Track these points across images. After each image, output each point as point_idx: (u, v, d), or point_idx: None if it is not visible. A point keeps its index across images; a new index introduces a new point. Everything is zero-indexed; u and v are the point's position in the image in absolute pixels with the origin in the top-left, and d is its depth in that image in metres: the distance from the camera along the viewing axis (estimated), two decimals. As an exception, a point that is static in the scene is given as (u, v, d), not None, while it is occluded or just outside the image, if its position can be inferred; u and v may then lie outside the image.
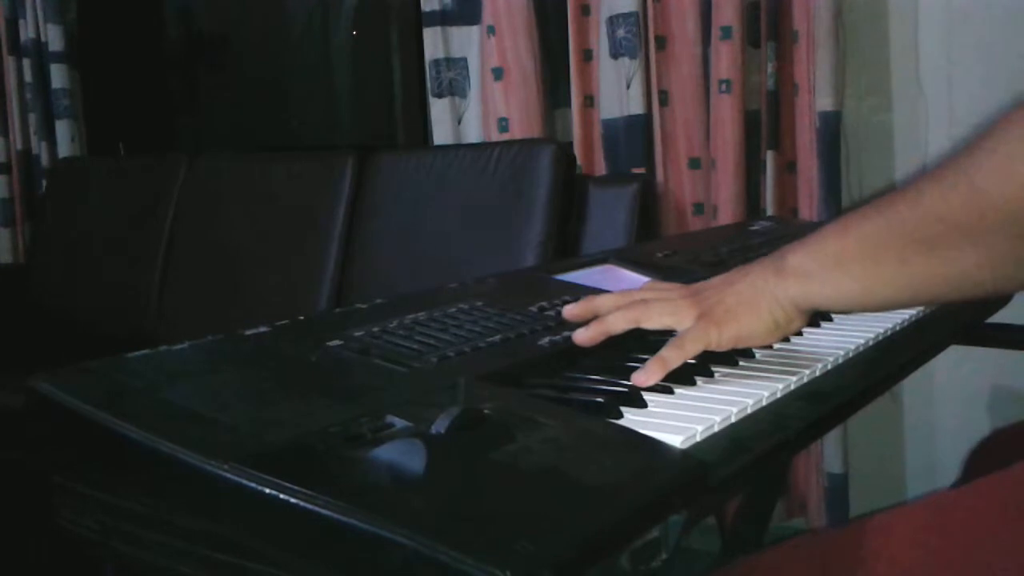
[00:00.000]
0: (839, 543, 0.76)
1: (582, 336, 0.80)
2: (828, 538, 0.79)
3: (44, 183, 3.01)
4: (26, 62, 3.03)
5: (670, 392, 0.74)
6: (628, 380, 0.75)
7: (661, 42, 2.15)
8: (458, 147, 2.34)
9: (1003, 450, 1.09)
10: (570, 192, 2.12)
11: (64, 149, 3.01)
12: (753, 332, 0.79)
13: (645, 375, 0.74)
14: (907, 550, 0.71)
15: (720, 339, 0.79)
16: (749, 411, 0.70)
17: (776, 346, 0.85)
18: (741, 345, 0.80)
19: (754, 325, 0.79)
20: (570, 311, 0.85)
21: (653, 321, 0.81)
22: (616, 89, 2.16)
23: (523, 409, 0.63)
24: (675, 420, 0.66)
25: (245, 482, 0.53)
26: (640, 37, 2.13)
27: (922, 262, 0.71)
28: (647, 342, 0.87)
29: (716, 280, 0.83)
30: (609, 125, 2.19)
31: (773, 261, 0.79)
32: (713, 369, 0.78)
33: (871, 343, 0.91)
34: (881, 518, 0.74)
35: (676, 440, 0.63)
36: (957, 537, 0.71)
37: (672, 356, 0.76)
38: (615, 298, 0.84)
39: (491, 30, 2.29)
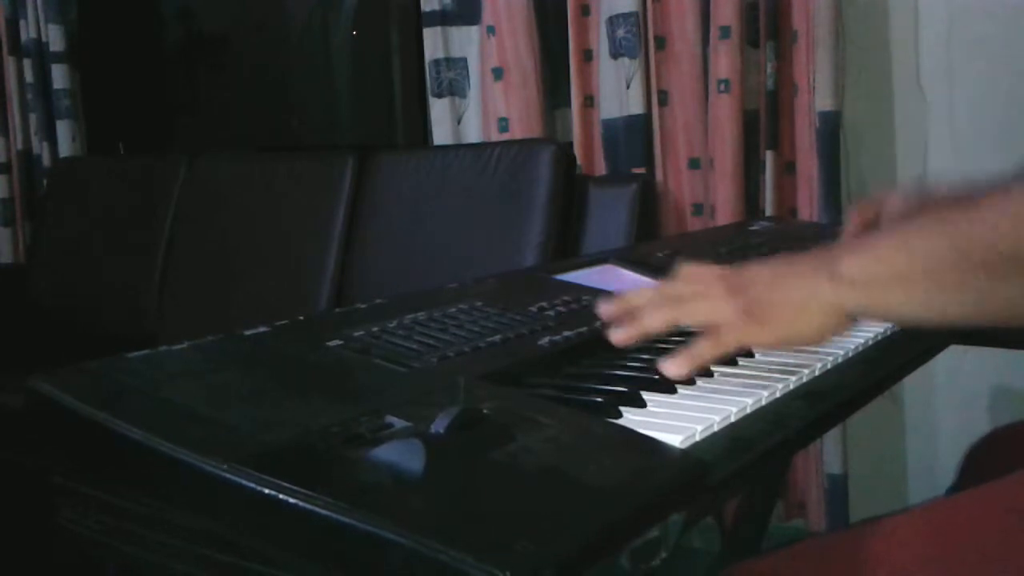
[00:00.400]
0: (839, 548, 0.76)
1: (618, 336, 0.77)
2: (828, 543, 0.79)
3: (44, 183, 3.01)
4: (27, 62, 3.03)
5: (671, 392, 0.74)
6: (626, 381, 0.75)
7: (661, 42, 2.15)
8: (458, 147, 2.34)
9: (1000, 450, 1.09)
10: (570, 192, 2.12)
11: (65, 149, 3.01)
12: (800, 335, 0.75)
13: (675, 366, 0.71)
14: (908, 556, 0.71)
15: (763, 339, 0.75)
16: (749, 411, 0.70)
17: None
18: (784, 348, 0.77)
19: (802, 328, 0.74)
20: (605, 310, 0.80)
21: (692, 318, 0.77)
22: (616, 89, 2.16)
23: (523, 409, 0.63)
24: (675, 420, 0.66)
25: (245, 482, 0.53)
26: (640, 37, 2.13)
27: (984, 287, 0.68)
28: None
29: (760, 272, 0.78)
30: (609, 125, 2.19)
31: (825, 264, 0.74)
32: (713, 369, 0.78)
33: (871, 343, 0.91)
34: (882, 524, 0.74)
35: (676, 440, 0.63)
36: (957, 544, 0.71)
37: (707, 350, 0.73)
38: (651, 294, 0.80)
39: (491, 30, 2.29)
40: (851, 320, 0.75)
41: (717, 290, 0.77)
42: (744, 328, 0.74)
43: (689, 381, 0.76)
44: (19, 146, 3.07)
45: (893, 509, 0.78)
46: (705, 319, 0.76)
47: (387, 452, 0.54)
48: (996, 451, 1.10)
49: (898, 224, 0.77)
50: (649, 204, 2.11)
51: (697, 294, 0.77)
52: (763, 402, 0.73)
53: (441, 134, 2.41)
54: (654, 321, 0.77)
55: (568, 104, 2.28)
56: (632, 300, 0.79)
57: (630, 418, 0.67)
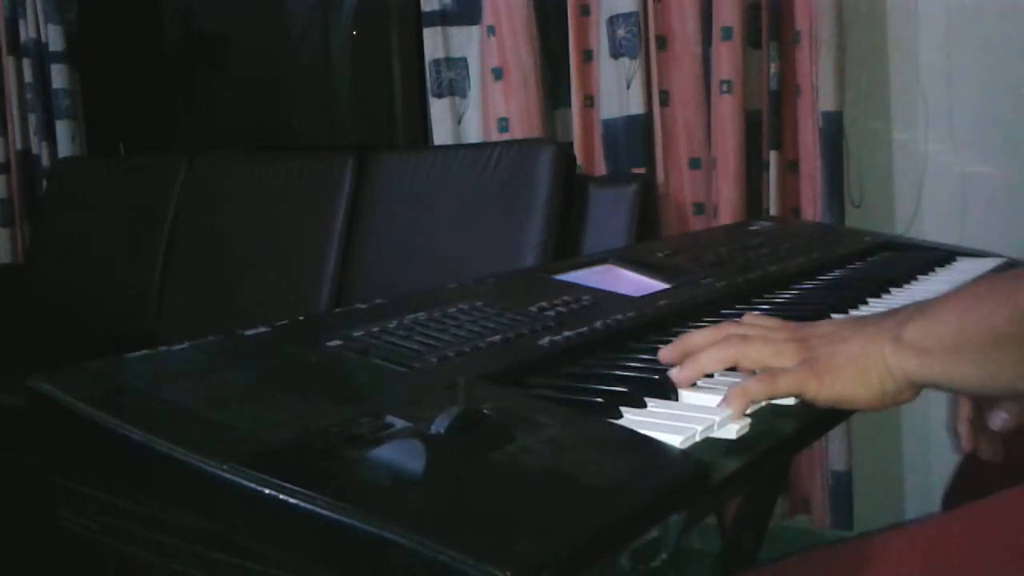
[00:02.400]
0: (832, 566, 0.76)
1: (678, 376, 0.75)
2: (820, 560, 0.79)
3: (44, 183, 3.01)
4: (26, 62, 3.03)
5: (671, 392, 0.74)
6: (626, 382, 0.75)
7: (661, 42, 2.15)
8: (458, 147, 2.34)
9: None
10: (570, 192, 2.12)
11: (64, 149, 3.01)
12: (857, 397, 0.74)
13: (730, 405, 0.70)
14: (907, 573, 0.71)
15: (819, 393, 0.73)
16: (749, 411, 0.70)
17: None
18: (840, 407, 0.75)
19: (859, 391, 0.73)
20: (665, 355, 0.79)
21: (751, 361, 0.76)
22: (616, 89, 2.16)
23: (523, 409, 0.63)
24: (675, 420, 0.66)
25: (245, 482, 0.53)
26: (640, 37, 2.13)
27: None
28: (649, 342, 0.87)
29: (826, 329, 0.78)
30: (609, 125, 2.19)
31: (890, 328, 0.73)
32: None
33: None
34: (877, 540, 0.74)
35: (676, 440, 0.63)
36: (953, 562, 0.71)
37: (758, 390, 0.72)
38: (711, 333, 0.79)
39: (491, 30, 2.29)
40: (915, 389, 0.74)
41: (781, 336, 0.77)
42: (802, 379, 0.73)
43: (689, 381, 0.76)
44: (18, 146, 3.07)
45: (894, 507, 0.78)
46: (766, 362, 0.75)
47: (387, 452, 0.54)
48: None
49: (963, 290, 0.75)
50: (649, 204, 2.11)
51: (760, 338, 0.77)
52: (763, 402, 0.73)
53: (441, 134, 2.41)
54: (712, 360, 0.76)
55: (568, 104, 2.28)
56: (692, 341, 0.78)
57: (630, 418, 0.67)
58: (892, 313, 0.76)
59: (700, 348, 0.77)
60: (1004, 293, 0.69)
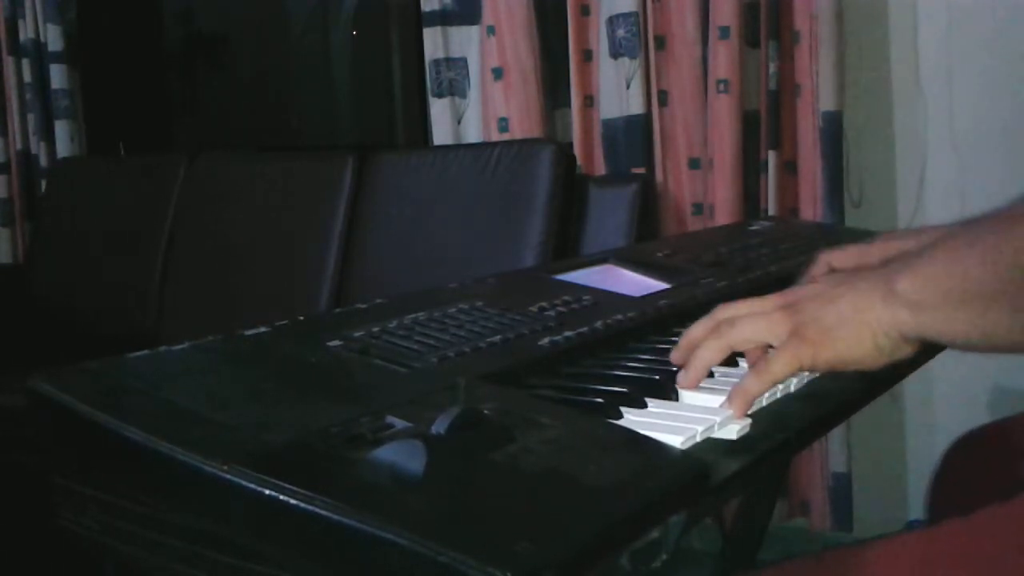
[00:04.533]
0: (833, 571, 0.76)
1: (681, 383, 0.74)
2: (822, 563, 0.79)
3: (44, 183, 3.01)
4: (25, 62, 3.03)
5: (671, 393, 0.74)
6: (626, 382, 0.75)
7: (661, 42, 2.15)
8: (458, 147, 2.34)
9: (974, 453, 1.10)
10: (570, 192, 2.12)
11: (64, 149, 3.01)
12: (854, 357, 0.72)
13: (736, 409, 0.69)
14: None
15: (815, 361, 0.72)
16: (750, 412, 0.70)
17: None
18: (840, 369, 0.73)
19: (854, 351, 0.71)
20: (675, 357, 0.78)
21: (744, 341, 0.74)
22: (616, 89, 2.16)
23: (523, 409, 0.63)
24: (675, 420, 0.66)
25: (245, 482, 0.53)
26: (640, 37, 2.13)
27: None
28: (648, 342, 0.87)
29: (813, 290, 0.75)
30: (609, 125, 2.19)
31: (880, 283, 0.71)
32: (713, 369, 0.78)
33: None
34: (877, 548, 0.74)
35: (676, 440, 0.63)
36: (949, 574, 0.71)
37: (755, 386, 0.70)
38: (704, 324, 0.77)
39: (491, 30, 2.29)
40: (911, 344, 0.72)
41: (768, 307, 0.75)
42: (795, 353, 0.71)
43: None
44: (18, 146, 3.07)
45: (894, 509, 0.78)
46: (757, 337, 0.74)
47: (387, 453, 0.54)
48: (974, 451, 1.11)
49: (951, 238, 0.72)
50: (649, 204, 2.11)
51: (750, 314, 0.75)
52: (764, 402, 0.72)
53: (441, 134, 2.41)
54: (709, 353, 0.75)
55: (568, 104, 2.28)
56: (691, 336, 0.77)
57: (631, 419, 0.67)
58: (881, 268, 0.74)
59: (698, 341, 0.76)
60: (991, 250, 0.67)
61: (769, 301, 0.76)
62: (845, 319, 0.71)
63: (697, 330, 0.77)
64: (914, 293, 0.69)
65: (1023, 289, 0.64)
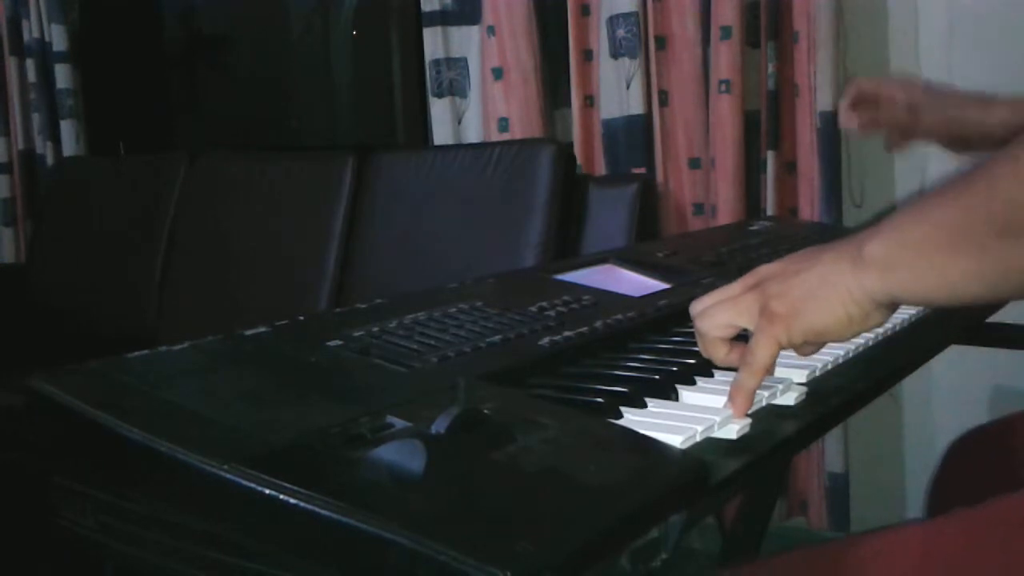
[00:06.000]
0: (832, 563, 0.76)
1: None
2: (821, 555, 0.79)
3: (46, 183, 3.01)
4: (29, 62, 3.03)
5: (671, 393, 0.74)
6: (626, 382, 0.75)
7: (661, 42, 2.15)
8: (458, 147, 2.34)
9: (980, 449, 1.10)
10: (570, 192, 2.12)
11: (69, 149, 3.01)
12: (825, 325, 0.71)
13: (735, 408, 0.69)
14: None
15: (791, 336, 0.71)
16: (749, 411, 0.70)
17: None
18: (815, 340, 0.73)
19: (826, 318, 0.71)
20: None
21: (719, 327, 0.74)
22: (616, 89, 2.16)
23: (523, 409, 0.63)
24: (675, 420, 0.66)
25: (245, 482, 0.53)
26: (640, 37, 2.13)
27: (1001, 249, 0.64)
28: (647, 341, 0.87)
29: (779, 266, 0.75)
30: (609, 125, 2.19)
31: (848, 250, 0.71)
32: (713, 370, 0.78)
33: (871, 343, 0.91)
34: (866, 542, 0.74)
35: (676, 440, 0.63)
36: (949, 565, 0.71)
37: (747, 378, 0.71)
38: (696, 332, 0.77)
39: (491, 30, 2.29)
40: (883, 310, 0.71)
41: (736, 291, 0.75)
42: (768, 333, 0.71)
43: (689, 382, 0.76)
44: (21, 146, 3.07)
45: (891, 509, 0.78)
46: (731, 322, 0.74)
47: (387, 452, 0.54)
48: (974, 450, 1.11)
49: (922, 196, 0.71)
50: (649, 204, 2.11)
51: (719, 301, 0.75)
52: (763, 402, 0.73)
53: (441, 134, 2.41)
54: (712, 354, 0.75)
55: (568, 104, 2.28)
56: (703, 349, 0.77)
57: (631, 418, 0.67)
58: (848, 237, 0.74)
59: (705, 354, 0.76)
60: (956, 194, 0.66)
61: (736, 285, 0.76)
62: (812, 290, 0.71)
63: (697, 340, 0.77)
64: (883, 253, 0.69)
65: (991, 227, 0.64)
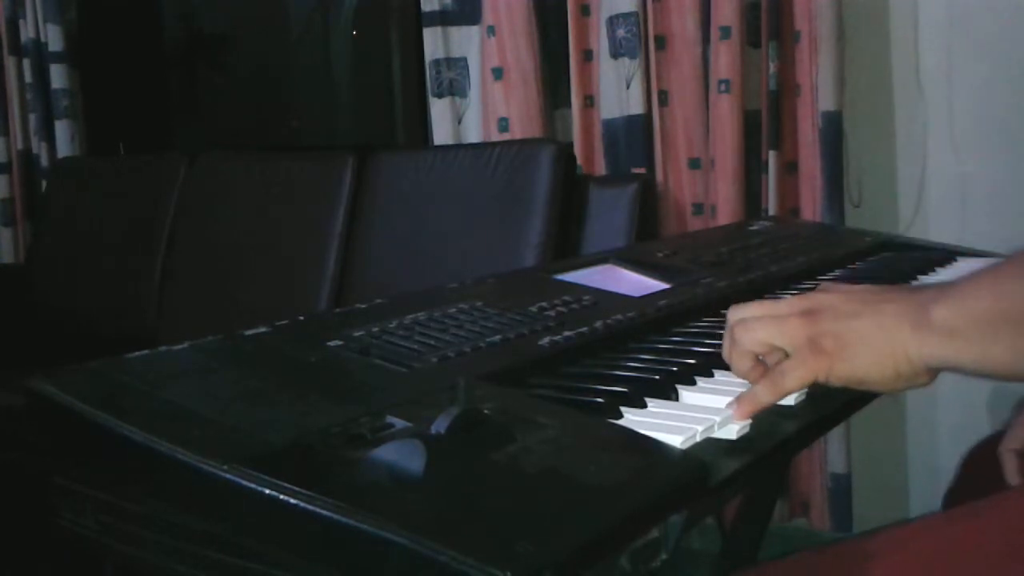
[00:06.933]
0: (838, 564, 0.76)
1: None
2: (826, 556, 0.78)
3: (44, 183, 3.01)
4: (26, 62, 3.03)
5: (671, 392, 0.74)
6: (626, 382, 0.75)
7: (661, 42, 2.15)
8: (458, 147, 2.34)
9: (995, 460, 1.09)
10: (570, 192, 2.12)
11: (64, 149, 3.01)
12: (871, 378, 0.69)
13: (739, 412, 0.68)
14: (907, 573, 0.71)
15: (830, 376, 0.69)
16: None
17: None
18: (854, 387, 0.71)
19: (872, 371, 0.69)
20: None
21: (757, 343, 0.72)
22: (616, 89, 2.16)
23: (523, 409, 0.63)
24: (675, 420, 0.66)
25: (245, 482, 0.53)
26: (640, 37, 2.13)
27: None
28: (647, 340, 0.87)
29: (837, 299, 0.72)
30: (609, 125, 2.19)
31: (912, 309, 0.68)
32: (714, 370, 0.78)
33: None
34: (882, 538, 0.73)
35: (676, 440, 0.63)
36: (956, 561, 0.71)
37: (766, 395, 0.69)
38: (726, 334, 0.75)
39: (491, 30, 2.29)
40: (932, 373, 0.69)
41: (783, 311, 0.72)
42: (810, 367, 0.69)
43: (690, 382, 0.76)
44: (19, 146, 3.07)
45: (894, 509, 0.77)
46: (770, 340, 0.71)
47: (387, 452, 0.54)
48: (991, 459, 1.10)
49: (994, 267, 0.69)
50: (649, 204, 2.11)
51: (764, 316, 0.73)
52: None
53: (441, 134, 2.41)
54: (736, 367, 0.73)
55: (568, 104, 2.28)
56: (724, 350, 0.76)
57: (631, 418, 0.67)
58: (912, 292, 0.71)
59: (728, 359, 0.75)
60: None
61: (784, 304, 0.73)
62: (866, 338, 0.69)
63: (724, 343, 0.76)
64: (951, 320, 0.67)
65: None
